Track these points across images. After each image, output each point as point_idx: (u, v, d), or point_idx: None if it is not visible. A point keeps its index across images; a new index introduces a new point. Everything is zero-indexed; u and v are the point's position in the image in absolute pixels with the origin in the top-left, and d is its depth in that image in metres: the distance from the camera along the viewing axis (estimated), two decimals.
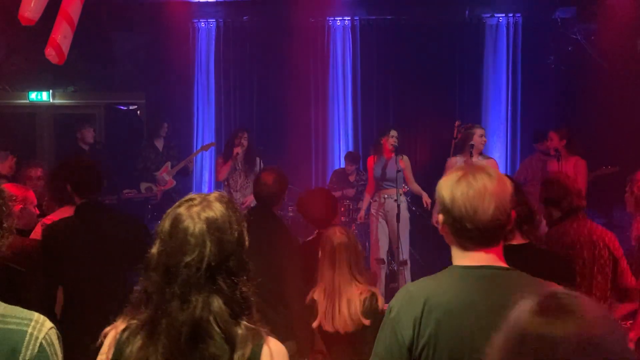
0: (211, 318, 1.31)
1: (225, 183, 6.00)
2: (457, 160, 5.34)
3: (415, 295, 1.47)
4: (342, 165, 7.34)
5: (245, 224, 1.44)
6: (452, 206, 1.45)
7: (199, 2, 7.67)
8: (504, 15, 7.55)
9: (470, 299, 1.43)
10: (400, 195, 5.44)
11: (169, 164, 6.84)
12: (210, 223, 1.36)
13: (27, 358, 1.29)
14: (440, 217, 1.52)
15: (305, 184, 7.66)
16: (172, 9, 7.40)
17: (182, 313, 1.31)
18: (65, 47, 4.75)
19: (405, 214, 5.59)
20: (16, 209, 2.92)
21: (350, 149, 7.68)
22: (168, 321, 1.32)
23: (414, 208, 6.13)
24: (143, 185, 6.74)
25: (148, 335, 1.34)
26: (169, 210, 1.41)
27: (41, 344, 1.32)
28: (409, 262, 5.56)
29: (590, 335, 0.86)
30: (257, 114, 7.87)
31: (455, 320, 1.41)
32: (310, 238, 3.42)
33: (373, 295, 2.60)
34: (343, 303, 2.54)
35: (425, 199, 5.54)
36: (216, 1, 7.67)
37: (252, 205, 4.55)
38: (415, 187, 5.72)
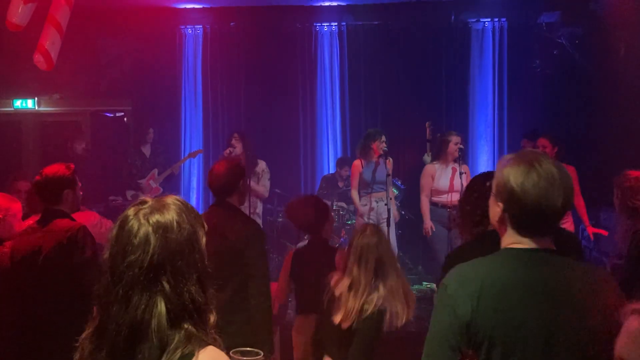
0: (153, 321, 1.27)
1: None
2: (434, 167, 5.45)
3: (470, 274, 1.52)
4: (331, 171, 7.34)
5: (204, 225, 1.41)
6: (524, 196, 1.48)
7: (185, 8, 7.65)
8: (489, 20, 7.62)
9: (525, 278, 1.49)
10: (390, 199, 5.47)
11: (155, 170, 6.79)
12: (157, 225, 1.32)
13: None
14: (500, 204, 1.54)
15: (294, 189, 7.66)
16: (159, 15, 7.38)
17: (125, 314, 1.28)
18: (54, 54, 4.72)
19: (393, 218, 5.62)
20: None
21: (339, 153, 7.69)
22: (112, 323, 1.29)
23: (402, 212, 6.15)
24: (129, 193, 6.69)
25: (97, 340, 1.31)
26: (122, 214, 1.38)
27: None
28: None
29: None
30: (245, 120, 7.85)
31: (510, 297, 1.47)
32: (302, 245, 3.41)
33: (380, 313, 2.59)
34: (363, 301, 2.57)
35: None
36: (203, 7, 7.66)
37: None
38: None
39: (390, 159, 5.72)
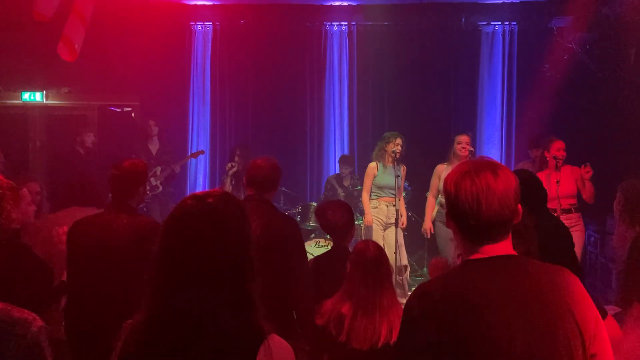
0: (211, 315, 1.29)
1: None
2: (443, 167, 5.46)
3: (431, 292, 1.48)
4: (337, 170, 7.32)
5: (249, 219, 1.44)
6: (457, 202, 1.46)
7: (196, 5, 7.65)
8: (499, 23, 7.60)
9: (484, 287, 1.44)
10: (399, 200, 5.45)
11: (159, 168, 6.77)
12: (216, 218, 1.35)
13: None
14: (446, 211, 1.54)
15: (301, 187, 7.65)
16: (169, 11, 7.38)
17: (184, 309, 1.30)
18: (78, 45, 4.74)
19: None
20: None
21: (346, 153, 7.66)
22: (170, 316, 1.30)
23: (409, 213, 6.13)
24: None
25: (153, 330, 1.32)
26: (178, 204, 1.41)
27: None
28: (408, 267, 5.54)
29: None
30: (253, 119, 7.86)
31: (473, 309, 1.42)
32: (325, 252, 3.37)
33: None
34: (383, 320, 2.46)
35: (403, 220, 5.48)
36: (213, 4, 7.66)
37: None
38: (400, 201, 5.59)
39: (404, 166, 5.68)
